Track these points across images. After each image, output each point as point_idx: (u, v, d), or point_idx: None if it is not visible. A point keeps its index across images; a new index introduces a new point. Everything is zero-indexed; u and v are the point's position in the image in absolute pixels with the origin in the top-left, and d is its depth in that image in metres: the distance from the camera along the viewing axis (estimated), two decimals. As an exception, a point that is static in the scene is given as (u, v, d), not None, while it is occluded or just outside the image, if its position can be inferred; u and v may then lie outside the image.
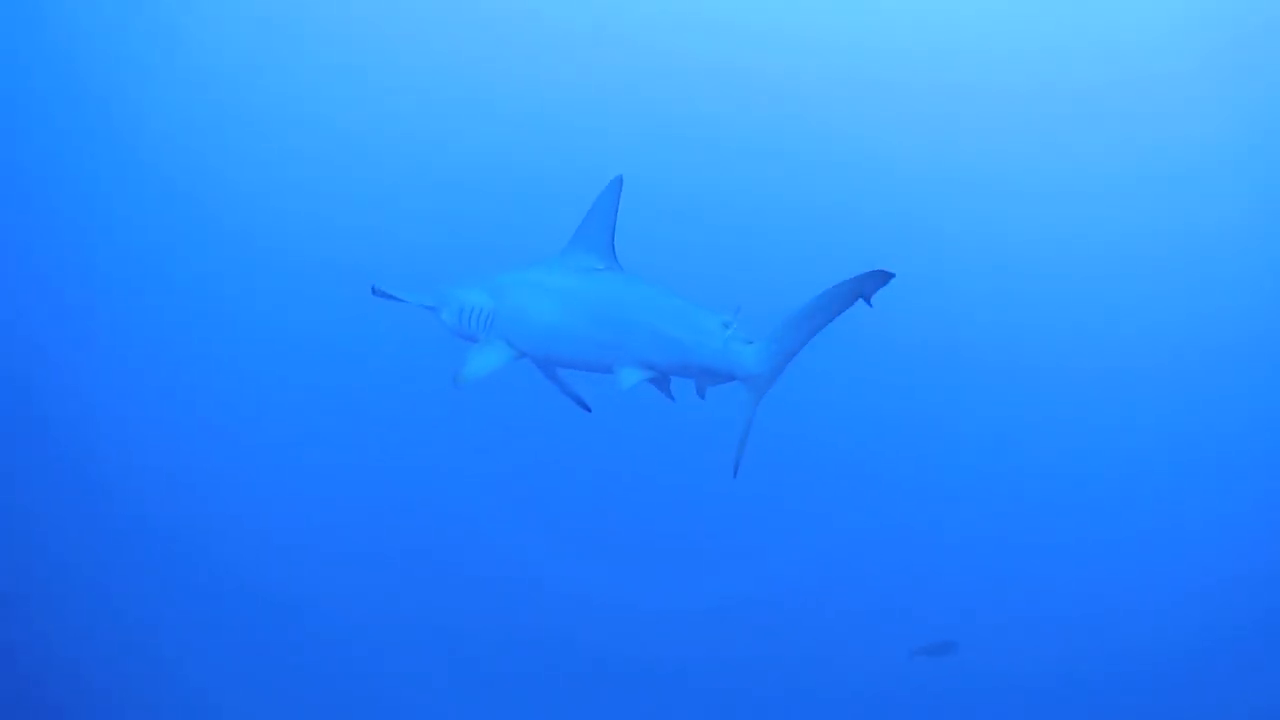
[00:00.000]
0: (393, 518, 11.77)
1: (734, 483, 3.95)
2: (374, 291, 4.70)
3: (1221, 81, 17.18)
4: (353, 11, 19.01)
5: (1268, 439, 14.89)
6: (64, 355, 13.31)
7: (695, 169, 17.26)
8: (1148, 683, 10.64)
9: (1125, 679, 10.75)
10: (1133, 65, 17.37)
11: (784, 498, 12.01)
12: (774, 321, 3.98)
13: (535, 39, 18.81)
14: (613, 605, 10.93)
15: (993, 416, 14.84)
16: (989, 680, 10.49)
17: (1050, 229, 17.48)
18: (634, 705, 9.99)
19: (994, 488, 13.64)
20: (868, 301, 3.76)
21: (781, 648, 10.62)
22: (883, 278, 3.67)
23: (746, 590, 11.49)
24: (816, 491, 12.63)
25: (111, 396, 13.00)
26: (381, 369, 13.97)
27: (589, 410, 4.80)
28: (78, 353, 13.51)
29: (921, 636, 10.40)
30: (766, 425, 4.51)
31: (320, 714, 9.32)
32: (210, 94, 17.97)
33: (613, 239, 4.48)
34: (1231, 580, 12.36)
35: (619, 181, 4.46)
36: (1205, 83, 17.20)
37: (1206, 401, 15.70)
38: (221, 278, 15.53)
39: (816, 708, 10.25)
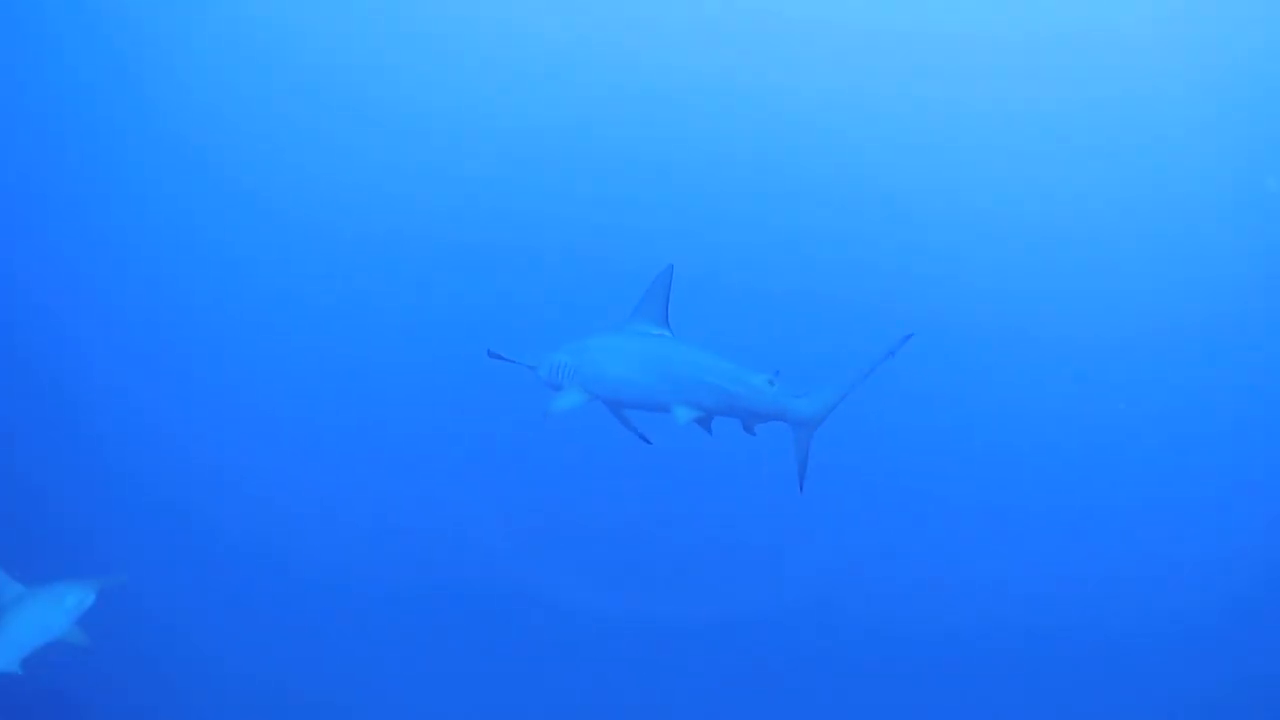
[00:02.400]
0: (395, 524, 11.97)
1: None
2: (489, 354, 5.95)
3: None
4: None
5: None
6: (96, 344, 13.62)
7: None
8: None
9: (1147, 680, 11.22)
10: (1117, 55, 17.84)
11: (786, 511, 11.91)
12: (822, 379, 5.20)
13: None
14: (618, 620, 11.15)
15: (991, 414, 15.06)
16: (995, 677, 11.05)
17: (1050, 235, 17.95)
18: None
19: (994, 489, 13.94)
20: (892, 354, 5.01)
21: (786, 662, 10.99)
22: (904, 340, 4.95)
23: (750, 604, 11.69)
24: (817, 502, 12.77)
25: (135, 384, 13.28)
26: (400, 380, 14.35)
27: (649, 443, 6.03)
28: (108, 342, 13.75)
29: (927, 644, 11.12)
30: (772, 444, 5.72)
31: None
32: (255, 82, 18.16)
33: (667, 310, 5.79)
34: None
35: (671, 268, 5.79)
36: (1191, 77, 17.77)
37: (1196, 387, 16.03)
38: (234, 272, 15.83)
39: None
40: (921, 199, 18.27)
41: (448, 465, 13.03)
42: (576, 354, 5.86)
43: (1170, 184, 18.31)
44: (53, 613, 5.77)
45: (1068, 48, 18.22)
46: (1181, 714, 11.13)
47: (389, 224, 17.57)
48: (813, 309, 16.36)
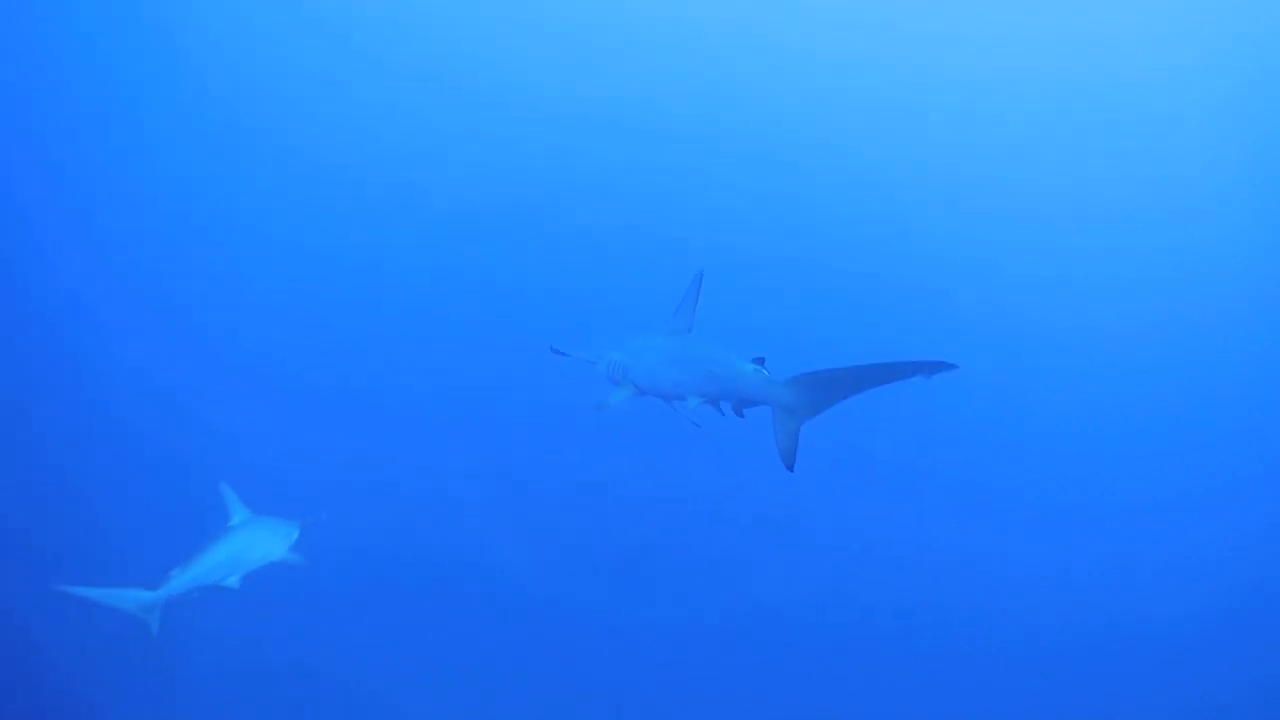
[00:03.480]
0: (399, 521, 11.97)
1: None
2: (551, 350, 6.87)
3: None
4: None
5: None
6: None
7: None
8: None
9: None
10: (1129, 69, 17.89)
11: (785, 509, 12.40)
12: (808, 369, 5.45)
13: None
14: (618, 618, 11.34)
15: (993, 413, 15.07)
16: (993, 676, 11.07)
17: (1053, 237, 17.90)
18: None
19: (995, 485, 13.87)
20: (927, 378, 4.92)
21: (788, 660, 11.00)
22: (944, 367, 4.83)
23: (749, 602, 11.71)
24: (815, 500, 12.55)
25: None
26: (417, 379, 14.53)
27: (700, 427, 6.60)
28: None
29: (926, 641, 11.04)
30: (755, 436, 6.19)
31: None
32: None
33: (694, 311, 6.55)
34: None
35: (701, 274, 6.54)
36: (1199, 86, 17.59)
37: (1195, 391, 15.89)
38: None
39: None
40: (932, 201, 18.39)
41: (459, 461, 13.01)
42: (627, 353, 6.73)
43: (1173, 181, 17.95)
44: (271, 539, 7.02)
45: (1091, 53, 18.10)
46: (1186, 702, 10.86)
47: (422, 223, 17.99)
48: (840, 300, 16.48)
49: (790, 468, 5.61)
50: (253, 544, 6.96)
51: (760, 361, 5.82)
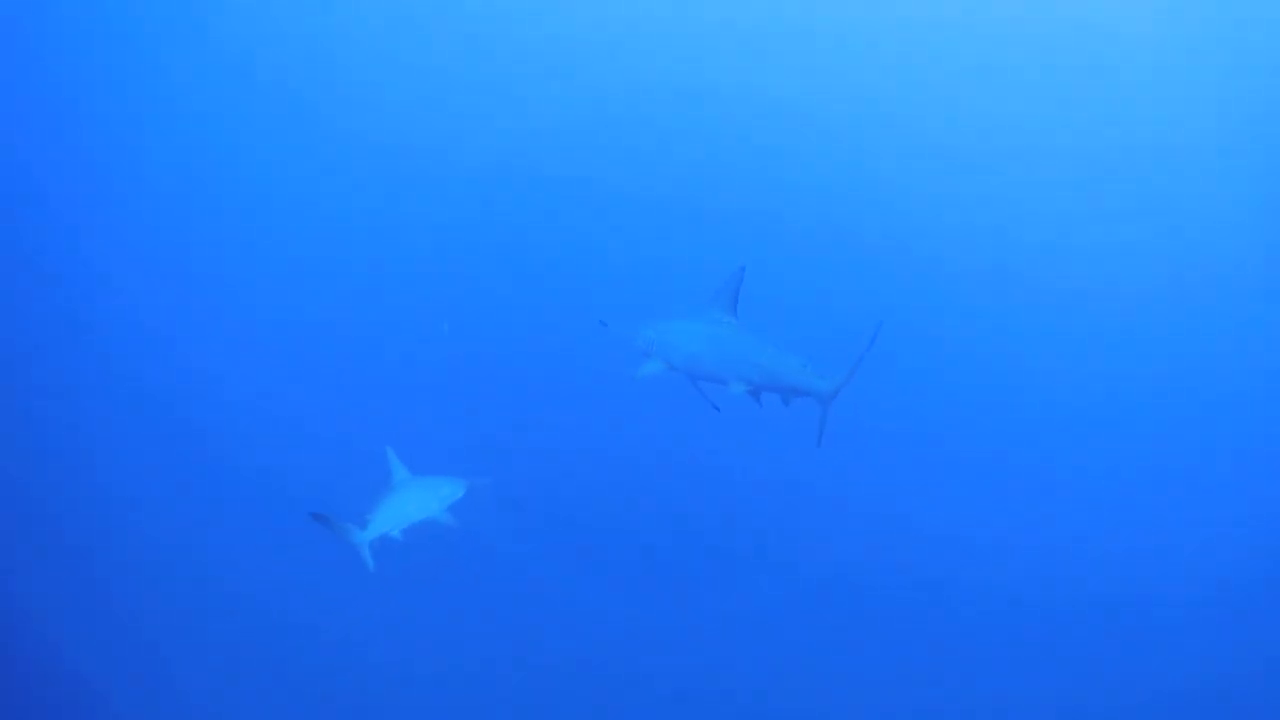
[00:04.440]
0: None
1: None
2: (600, 323, 7.36)
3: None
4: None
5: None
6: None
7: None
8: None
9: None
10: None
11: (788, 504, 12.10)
12: (836, 364, 6.31)
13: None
14: (623, 617, 10.99)
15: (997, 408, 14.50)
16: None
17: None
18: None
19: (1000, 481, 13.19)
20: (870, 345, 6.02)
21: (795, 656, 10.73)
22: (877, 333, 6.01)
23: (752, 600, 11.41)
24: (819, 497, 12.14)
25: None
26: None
27: (718, 410, 7.01)
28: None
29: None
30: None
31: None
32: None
33: (735, 302, 6.87)
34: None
35: (743, 268, 6.87)
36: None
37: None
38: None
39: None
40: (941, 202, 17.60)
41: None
42: (661, 332, 7.15)
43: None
44: (430, 498, 7.50)
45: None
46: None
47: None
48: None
49: (819, 445, 6.36)
50: (419, 501, 7.54)
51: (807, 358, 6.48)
